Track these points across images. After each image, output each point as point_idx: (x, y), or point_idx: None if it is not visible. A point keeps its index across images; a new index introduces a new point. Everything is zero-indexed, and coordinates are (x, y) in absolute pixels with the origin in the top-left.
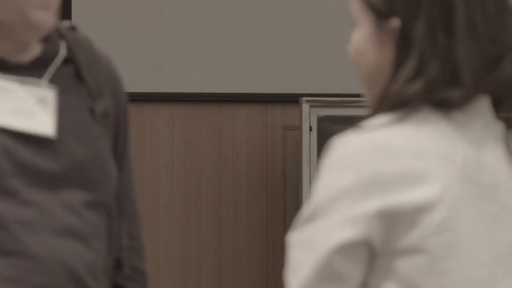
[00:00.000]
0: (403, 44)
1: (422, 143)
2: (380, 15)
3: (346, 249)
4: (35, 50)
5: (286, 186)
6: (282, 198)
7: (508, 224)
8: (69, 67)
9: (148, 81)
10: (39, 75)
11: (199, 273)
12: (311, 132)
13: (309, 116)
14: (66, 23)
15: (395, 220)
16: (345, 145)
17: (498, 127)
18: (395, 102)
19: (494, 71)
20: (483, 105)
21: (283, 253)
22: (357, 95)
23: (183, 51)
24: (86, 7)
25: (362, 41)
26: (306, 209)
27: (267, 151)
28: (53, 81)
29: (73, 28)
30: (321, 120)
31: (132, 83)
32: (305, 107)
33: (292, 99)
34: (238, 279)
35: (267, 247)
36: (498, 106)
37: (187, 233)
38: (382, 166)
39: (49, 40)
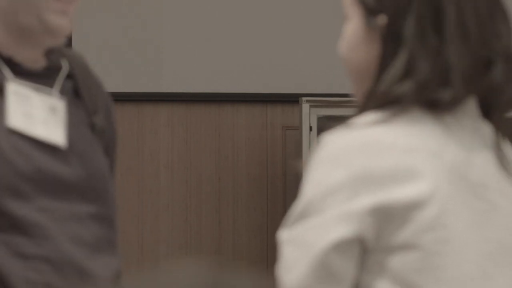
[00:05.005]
0: (390, 42)
1: (411, 140)
2: (369, 11)
3: (341, 247)
4: (41, 61)
5: (286, 186)
6: (282, 198)
7: (497, 222)
8: (69, 82)
9: (148, 81)
10: (50, 85)
11: None
12: (311, 132)
13: (309, 116)
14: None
15: (387, 217)
16: (335, 141)
17: (487, 131)
18: (384, 101)
19: (484, 74)
20: (471, 107)
21: None
22: None
23: (183, 51)
24: (86, 7)
25: (352, 37)
26: (297, 206)
27: (267, 151)
28: (60, 92)
29: (67, 45)
30: (321, 120)
31: (132, 83)
32: (305, 107)
33: (292, 99)
34: None
35: (267, 247)
36: (488, 111)
37: (187, 233)
38: (373, 162)
39: (52, 53)
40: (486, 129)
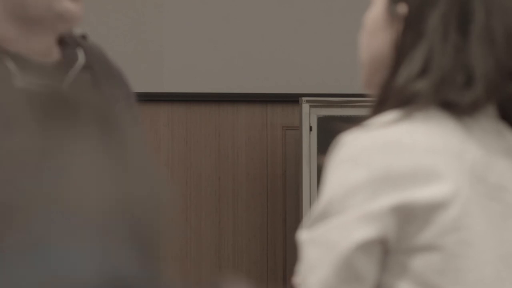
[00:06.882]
0: (409, 33)
1: (432, 140)
2: None
3: (365, 247)
4: (55, 55)
5: (286, 186)
6: (282, 198)
7: None
8: (86, 73)
9: (148, 81)
10: (62, 77)
11: (199, 273)
12: (311, 132)
13: (309, 116)
14: (77, 31)
15: (409, 217)
16: (354, 142)
17: (510, 135)
18: (400, 99)
19: (507, 82)
20: (492, 111)
21: (283, 253)
22: (357, 95)
23: (183, 51)
24: (86, 6)
25: (372, 22)
26: (317, 206)
27: (267, 151)
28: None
29: (84, 37)
30: (321, 120)
31: (132, 83)
32: (305, 107)
33: (292, 99)
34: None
35: (267, 247)
36: (508, 117)
37: (187, 233)
38: (393, 162)
39: (67, 45)
40: (509, 134)
